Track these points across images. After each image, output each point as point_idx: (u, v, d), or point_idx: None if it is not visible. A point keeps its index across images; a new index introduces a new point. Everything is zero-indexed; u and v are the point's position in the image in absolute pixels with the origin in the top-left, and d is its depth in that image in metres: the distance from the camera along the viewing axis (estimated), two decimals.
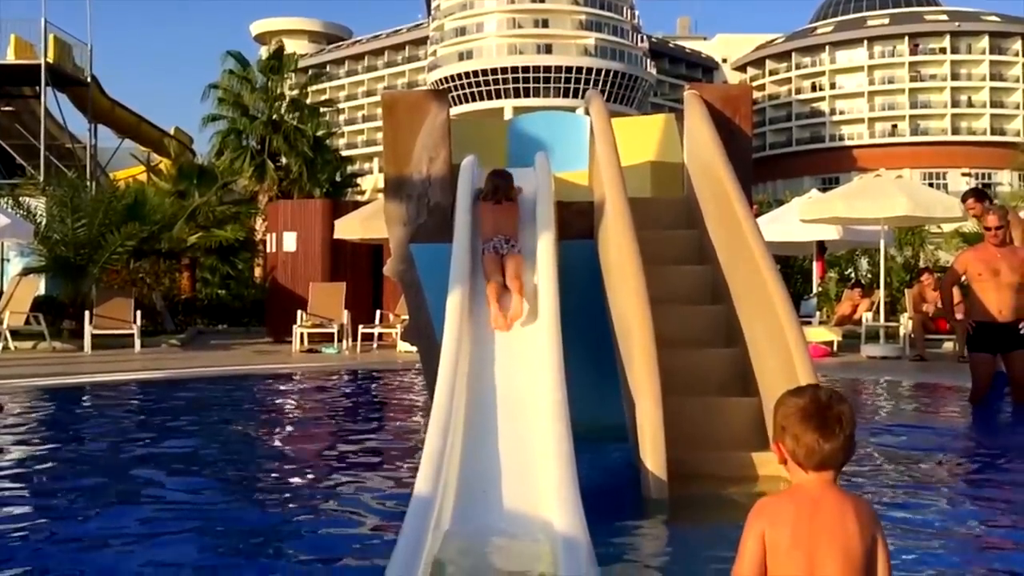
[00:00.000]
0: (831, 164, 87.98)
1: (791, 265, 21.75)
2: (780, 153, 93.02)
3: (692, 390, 5.30)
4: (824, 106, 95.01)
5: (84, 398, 9.47)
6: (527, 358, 4.93)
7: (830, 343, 14.87)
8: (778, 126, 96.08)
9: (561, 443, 4.09)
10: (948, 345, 14.22)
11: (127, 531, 4.08)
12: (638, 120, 9.06)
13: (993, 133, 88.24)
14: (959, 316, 10.03)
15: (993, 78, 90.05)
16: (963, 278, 8.54)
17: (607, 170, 5.73)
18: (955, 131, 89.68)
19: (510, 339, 5.11)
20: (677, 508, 4.40)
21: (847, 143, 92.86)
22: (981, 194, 9.37)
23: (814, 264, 19.42)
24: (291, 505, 4.58)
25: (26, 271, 17.92)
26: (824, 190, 20.85)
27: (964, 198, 9.45)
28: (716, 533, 4.11)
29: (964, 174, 78.10)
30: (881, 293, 15.47)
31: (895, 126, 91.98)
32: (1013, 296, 7.93)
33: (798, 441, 2.25)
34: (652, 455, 4.53)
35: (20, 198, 18.99)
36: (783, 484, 4.87)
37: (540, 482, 4.08)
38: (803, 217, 15.72)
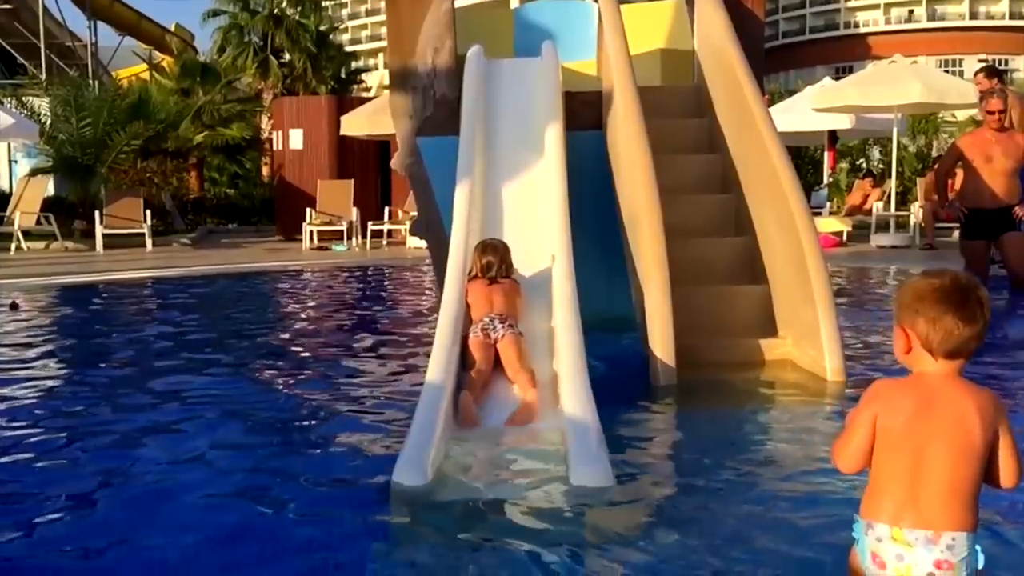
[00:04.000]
0: (845, 52, 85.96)
1: (802, 156, 21.53)
2: (793, 42, 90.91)
3: (700, 279, 5.32)
4: None
5: (99, 296, 9.58)
6: (536, 250, 4.95)
7: (840, 233, 14.82)
8: (791, 14, 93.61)
9: (571, 333, 4.15)
10: (958, 234, 14.15)
11: (146, 421, 4.19)
12: (647, 7, 8.84)
13: (1012, 17, 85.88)
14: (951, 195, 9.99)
15: None
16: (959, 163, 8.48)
17: (616, 59, 5.63)
18: (973, 16, 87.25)
19: (519, 231, 5.11)
20: (685, 394, 4.48)
21: (862, 30, 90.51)
22: (993, 71, 9.22)
23: (825, 154, 19.23)
24: (304, 398, 4.66)
25: (34, 172, 17.88)
26: (838, 79, 20.48)
27: (976, 73, 9.32)
28: (723, 416, 4.20)
29: (981, 60, 76.32)
30: (892, 183, 15.34)
31: (911, 11, 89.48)
32: (1006, 181, 7.89)
33: (934, 324, 2.08)
34: (660, 343, 4.59)
35: (23, 98, 18.82)
36: (790, 369, 4.97)
37: (550, 371, 4.15)
38: (816, 106, 15.48)
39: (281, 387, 4.98)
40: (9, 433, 3.95)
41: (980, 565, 2.09)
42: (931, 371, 2.13)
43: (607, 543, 2.69)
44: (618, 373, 4.84)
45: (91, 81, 22.36)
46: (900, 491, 2.09)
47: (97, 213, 15.48)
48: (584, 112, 6.09)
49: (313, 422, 4.16)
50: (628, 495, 3.09)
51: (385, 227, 16.14)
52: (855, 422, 2.16)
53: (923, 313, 2.10)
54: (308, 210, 16.10)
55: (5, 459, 3.58)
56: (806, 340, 4.86)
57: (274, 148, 19.44)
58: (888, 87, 14.09)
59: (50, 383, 5.16)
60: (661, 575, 2.45)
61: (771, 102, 17.55)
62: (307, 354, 6.00)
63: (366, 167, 17.88)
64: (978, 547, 2.08)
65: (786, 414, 4.32)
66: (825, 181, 19.04)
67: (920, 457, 2.07)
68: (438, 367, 3.87)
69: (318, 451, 3.69)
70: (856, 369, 4.91)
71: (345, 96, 25.87)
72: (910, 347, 2.14)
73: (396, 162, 6.81)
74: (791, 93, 21.98)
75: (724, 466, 3.38)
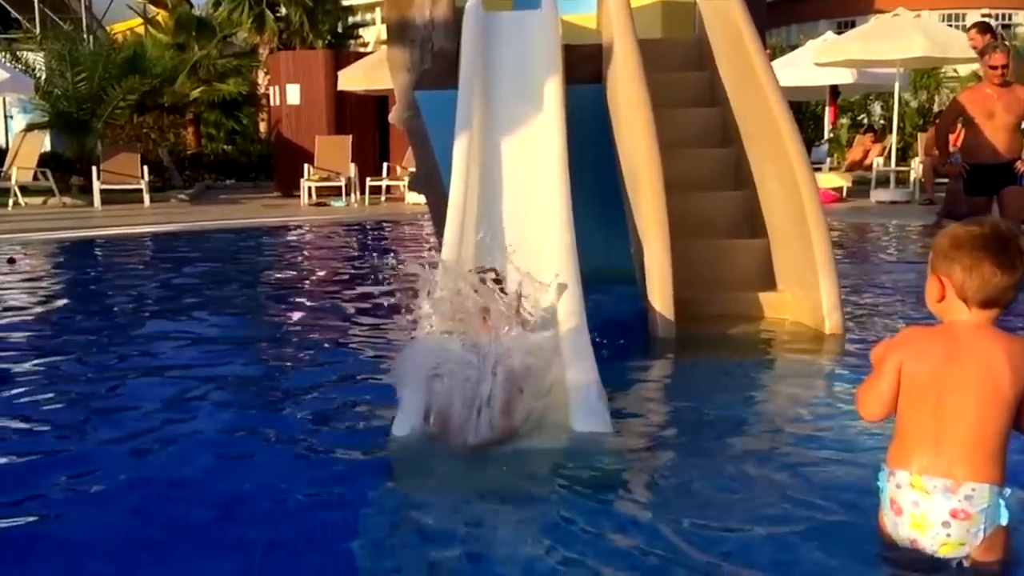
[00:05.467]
0: (848, 6, 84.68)
1: (803, 111, 21.38)
2: None
3: (700, 232, 5.32)
4: None
5: (98, 251, 9.58)
6: (535, 202, 4.93)
7: (839, 189, 14.79)
8: None
9: (570, 285, 4.15)
10: (947, 187, 14.12)
11: (146, 365, 4.26)
12: None
13: None
14: (952, 149, 9.96)
15: None
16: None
17: (616, 11, 5.59)
18: None
19: (518, 185, 5.10)
20: (684, 346, 4.50)
21: None
22: (985, 27, 9.14)
23: (826, 109, 19.12)
24: (303, 349, 4.69)
25: (30, 127, 17.77)
26: (840, 33, 20.29)
27: (968, 29, 9.26)
28: (721, 368, 4.23)
29: (984, 15, 75.40)
30: (893, 138, 15.27)
31: None
32: (1008, 137, 7.84)
33: (971, 272, 2.02)
34: (659, 296, 4.60)
35: (18, 52, 18.64)
36: (788, 322, 4.99)
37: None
38: (817, 60, 15.37)
39: (282, 337, 5.02)
40: (9, 383, 3.97)
41: (1004, 521, 2.04)
42: (963, 320, 2.08)
43: (604, 488, 2.72)
44: (617, 326, 4.85)
45: (86, 35, 22.12)
46: (923, 440, 2.06)
47: (94, 168, 15.41)
48: (584, 65, 6.03)
49: (314, 369, 4.21)
50: (626, 442, 3.12)
51: (383, 183, 16.09)
52: (882, 370, 2.12)
53: (959, 260, 2.04)
54: (306, 166, 16.03)
55: (7, 401, 3.63)
56: (805, 294, 4.87)
57: (271, 104, 19.31)
58: (891, 41, 13.98)
59: (48, 334, 5.19)
60: (657, 518, 2.48)
61: (773, 56, 17.42)
62: (307, 305, 6.03)
63: (364, 123, 17.78)
64: (1002, 502, 2.04)
65: (784, 366, 4.35)
66: (826, 136, 18.95)
67: (945, 406, 2.04)
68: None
69: (318, 396, 3.74)
70: (854, 323, 4.93)
71: (342, 51, 25.63)
72: (943, 295, 2.09)
73: (394, 116, 6.77)
74: (793, 48, 21.80)
75: (721, 416, 3.42)
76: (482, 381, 3.01)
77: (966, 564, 2.07)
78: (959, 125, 9.08)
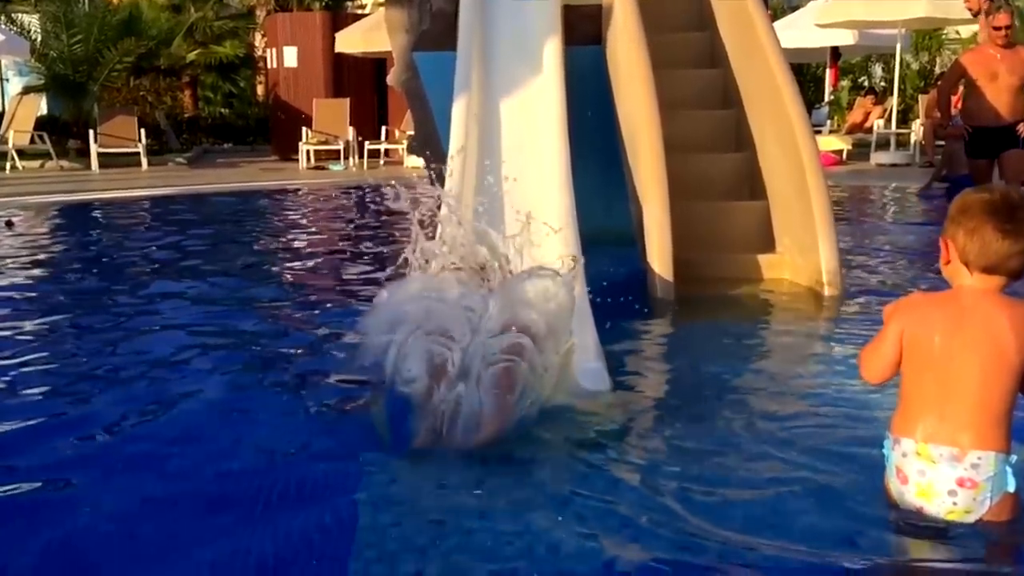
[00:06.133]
0: None
1: (804, 73, 21.22)
2: None
3: (700, 194, 5.31)
4: None
5: (96, 214, 9.55)
6: (535, 163, 4.92)
7: (840, 152, 14.72)
8: None
9: (568, 246, 4.15)
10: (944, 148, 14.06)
11: (144, 327, 4.29)
12: None
13: None
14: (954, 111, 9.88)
15: None
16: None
17: None
18: None
19: (518, 146, 5.08)
20: (682, 307, 4.51)
21: None
22: None
23: (827, 71, 18.99)
24: (302, 309, 4.72)
25: (26, 90, 17.65)
26: None
27: None
28: (719, 329, 4.24)
29: None
30: (894, 100, 15.19)
31: None
32: (1011, 99, 7.76)
33: (973, 235, 2.02)
34: (658, 257, 4.60)
35: (12, 14, 18.46)
36: (787, 284, 5.00)
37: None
38: (819, 21, 15.23)
39: (281, 298, 5.04)
40: (9, 345, 3.98)
41: (1011, 488, 2.04)
42: (968, 285, 2.07)
43: (602, 447, 2.74)
44: (617, 287, 4.85)
45: None
46: (928, 407, 2.05)
47: (91, 132, 15.32)
48: (583, 26, 5.98)
49: (313, 329, 4.23)
50: (624, 402, 3.14)
51: (382, 146, 16.02)
52: (884, 334, 2.12)
53: (963, 224, 2.04)
54: (304, 129, 15.94)
55: (8, 362, 3.65)
56: (804, 256, 4.87)
57: (268, 66, 19.17)
58: (892, 2, 13.85)
59: (47, 297, 5.20)
60: (655, 478, 2.50)
61: (774, 17, 17.23)
62: (306, 267, 6.03)
63: (362, 86, 17.64)
64: (1008, 468, 2.03)
65: (782, 327, 4.36)
66: (826, 99, 18.84)
67: (949, 372, 2.03)
68: None
69: (317, 355, 3.78)
70: (853, 285, 4.94)
71: (340, 12, 25.34)
72: (948, 259, 2.09)
73: (392, 78, 6.72)
74: (794, 8, 21.59)
75: (720, 376, 3.43)
76: (475, 347, 2.74)
77: (976, 527, 2.07)
78: (961, 87, 9.00)
